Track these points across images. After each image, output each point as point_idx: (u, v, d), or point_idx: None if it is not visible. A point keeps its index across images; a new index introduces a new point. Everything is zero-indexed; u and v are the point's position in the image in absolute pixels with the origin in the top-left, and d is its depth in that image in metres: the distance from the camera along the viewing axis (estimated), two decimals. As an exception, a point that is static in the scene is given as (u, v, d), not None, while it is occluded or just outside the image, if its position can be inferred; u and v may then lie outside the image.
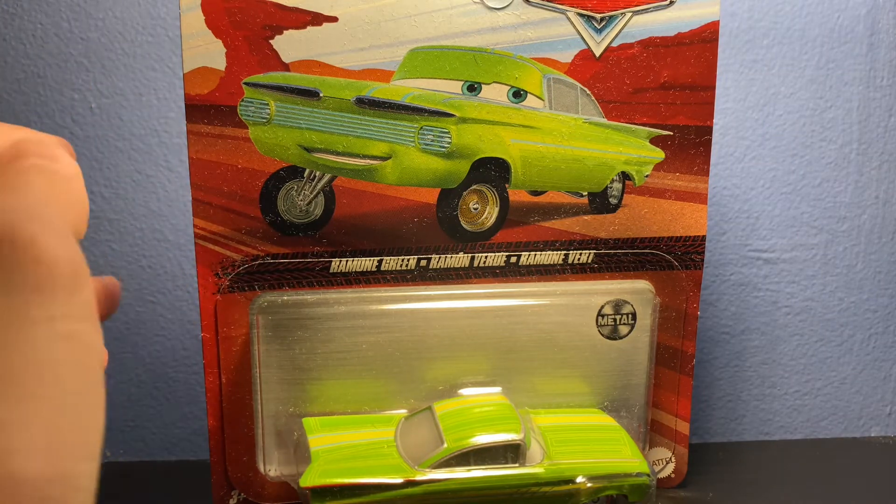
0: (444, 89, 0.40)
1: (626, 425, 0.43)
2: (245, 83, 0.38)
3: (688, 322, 0.44)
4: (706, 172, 0.42)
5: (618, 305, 0.43)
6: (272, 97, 0.38)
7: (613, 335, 0.43)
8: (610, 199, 0.42)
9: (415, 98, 0.39)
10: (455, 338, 0.42)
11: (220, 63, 0.38)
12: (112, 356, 0.53)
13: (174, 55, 0.50)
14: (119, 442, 0.54)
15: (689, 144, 0.42)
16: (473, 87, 0.40)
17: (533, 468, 0.38)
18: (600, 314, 0.43)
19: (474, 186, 0.41)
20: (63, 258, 0.20)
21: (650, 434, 0.45)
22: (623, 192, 0.42)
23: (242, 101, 0.38)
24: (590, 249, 0.42)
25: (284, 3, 0.38)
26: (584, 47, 0.40)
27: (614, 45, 0.40)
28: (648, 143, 0.42)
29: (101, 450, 0.21)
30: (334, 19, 0.38)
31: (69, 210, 0.23)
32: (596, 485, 0.39)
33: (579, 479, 0.39)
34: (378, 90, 0.39)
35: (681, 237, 0.43)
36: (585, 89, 0.41)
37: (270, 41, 0.38)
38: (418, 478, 0.37)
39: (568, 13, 0.40)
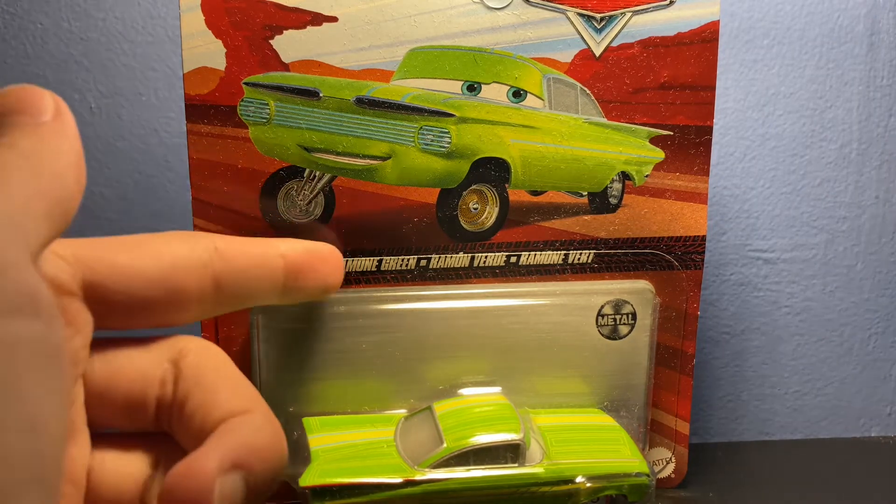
0: (443, 89, 0.40)
1: (626, 425, 0.43)
2: (245, 83, 0.38)
3: (688, 322, 0.44)
4: (706, 172, 0.42)
5: (618, 305, 0.43)
6: (272, 97, 0.38)
7: (613, 335, 0.43)
8: (610, 199, 0.42)
9: (414, 98, 0.39)
10: (455, 338, 0.42)
11: (220, 63, 0.38)
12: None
13: (174, 55, 0.50)
14: (119, 442, 0.53)
15: (689, 144, 0.42)
16: (473, 87, 0.40)
17: (532, 468, 0.38)
18: (600, 314, 0.43)
19: (474, 186, 0.41)
20: None
21: (650, 434, 0.45)
22: (623, 191, 0.42)
23: (242, 101, 0.38)
24: (590, 249, 0.42)
25: (284, 3, 0.38)
26: (584, 47, 0.40)
27: (614, 44, 0.40)
28: (648, 143, 0.42)
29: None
30: (334, 19, 0.38)
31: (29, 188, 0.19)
32: (595, 485, 0.39)
33: (579, 479, 0.39)
34: (378, 90, 0.39)
35: (681, 237, 0.43)
36: (585, 89, 0.41)
37: (270, 41, 0.38)
38: (418, 477, 0.37)
39: (568, 13, 0.40)
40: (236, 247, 0.27)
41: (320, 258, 0.29)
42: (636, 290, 0.43)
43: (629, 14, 0.40)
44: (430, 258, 0.41)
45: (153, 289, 0.24)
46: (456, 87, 0.40)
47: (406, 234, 0.41)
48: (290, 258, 0.28)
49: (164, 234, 0.26)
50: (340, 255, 0.29)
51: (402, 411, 0.42)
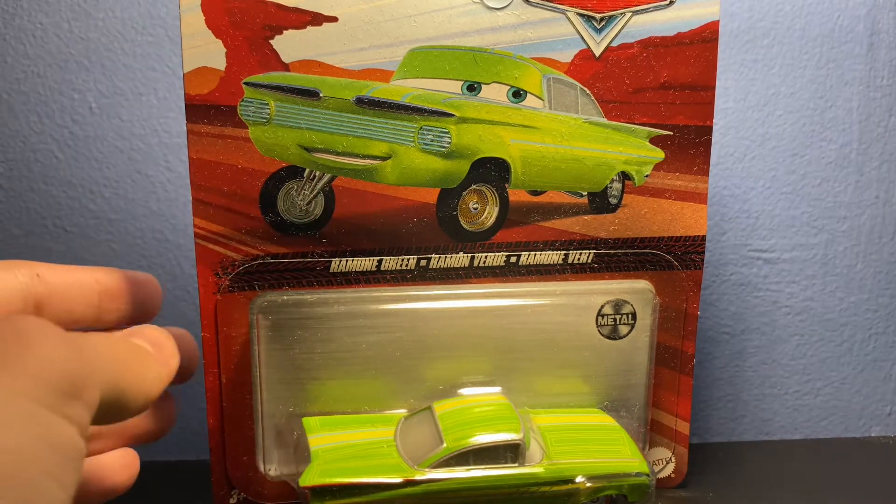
0: (443, 89, 0.40)
1: (626, 425, 0.43)
2: (245, 83, 0.38)
3: (688, 322, 0.44)
4: (706, 172, 0.42)
5: (618, 305, 0.43)
6: (272, 97, 0.38)
7: (613, 335, 0.43)
8: (610, 199, 0.42)
9: (414, 98, 0.39)
10: (455, 338, 0.42)
11: (220, 63, 0.38)
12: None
13: (174, 55, 0.50)
14: (119, 442, 0.53)
15: (689, 144, 0.42)
16: (473, 87, 0.40)
17: (532, 468, 0.38)
18: (600, 314, 0.43)
19: (474, 186, 0.41)
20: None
21: (650, 434, 0.45)
22: (623, 191, 0.42)
23: (242, 101, 0.38)
24: (590, 249, 0.42)
25: (284, 3, 0.38)
26: (584, 47, 0.40)
27: (614, 44, 0.40)
28: (648, 143, 0.42)
29: None
30: (334, 19, 0.38)
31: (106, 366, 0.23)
32: (595, 485, 0.39)
33: (579, 479, 0.39)
34: (378, 90, 0.39)
35: (681, 237, 0.43)
36: (585, 89, 0.41)
37: (270, 41, 0.38)
38: (417, 477, 0.37)
39: (568, 13, 0.40)
40: (56, 273, 0.30)
41: (134, 283, 0.31)
42: (636, 290, 0.43)
43: (629, 14, 0.40)
44: (430, 258, 0.41)
45: None
46: (456, 87, 0.40)
47: (406, 234, 0.41)
48: (103, 282, 0.30)
49: None
50: (157, 282, 0.32)
51: (402, 411, 0.42)
